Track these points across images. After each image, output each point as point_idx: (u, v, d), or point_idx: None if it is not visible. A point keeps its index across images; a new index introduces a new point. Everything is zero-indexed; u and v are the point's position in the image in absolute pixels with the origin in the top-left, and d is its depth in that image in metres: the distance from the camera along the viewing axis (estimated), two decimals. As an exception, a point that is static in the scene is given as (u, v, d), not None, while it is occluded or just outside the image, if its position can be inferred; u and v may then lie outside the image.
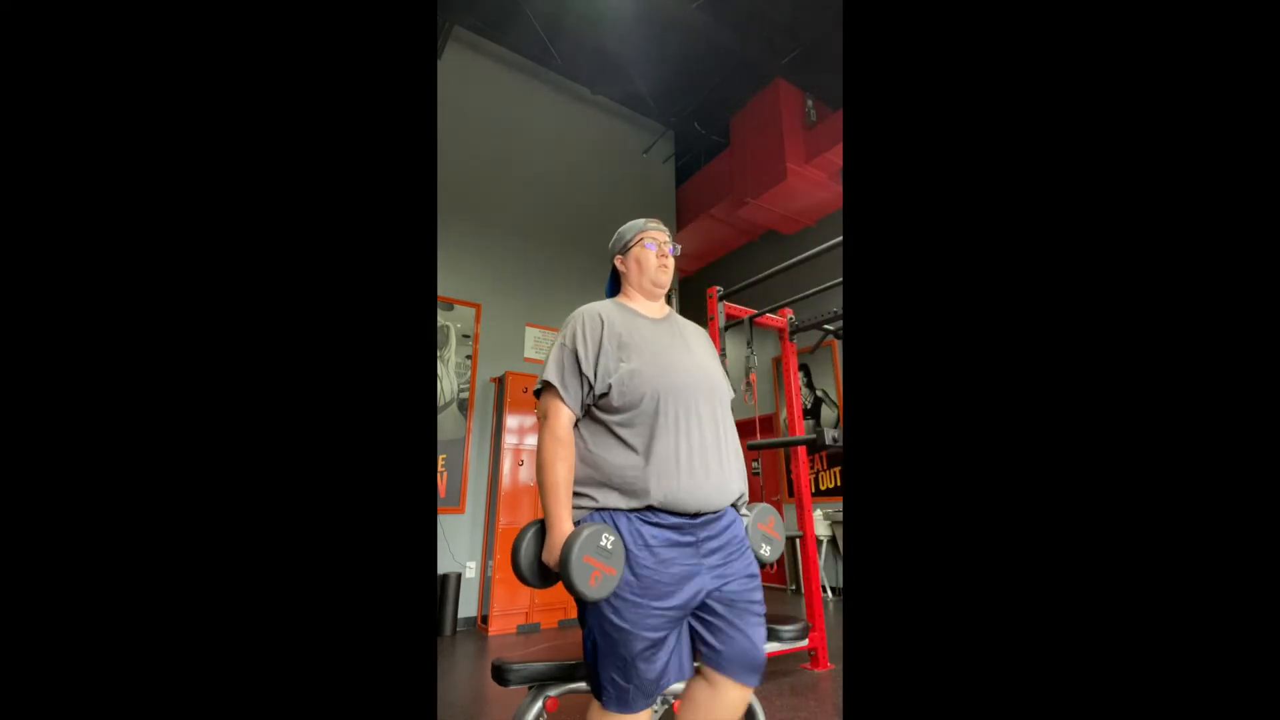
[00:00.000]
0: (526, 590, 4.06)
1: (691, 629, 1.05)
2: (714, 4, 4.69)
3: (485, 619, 4.01)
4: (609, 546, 0.97)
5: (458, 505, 4.29)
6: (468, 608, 4.13)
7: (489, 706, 2.33)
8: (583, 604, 1.01)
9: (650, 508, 1.02)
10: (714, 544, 1.06)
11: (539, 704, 1.24)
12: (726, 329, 2.90)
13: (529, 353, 4.96)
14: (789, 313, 3.12)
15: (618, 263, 1.28)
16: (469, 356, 4.61)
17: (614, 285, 1.31)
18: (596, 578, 0.94)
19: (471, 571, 4.21)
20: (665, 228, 1.28)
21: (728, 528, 1.09)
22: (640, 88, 5.81)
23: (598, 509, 1.04)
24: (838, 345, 5.48)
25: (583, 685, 1.27)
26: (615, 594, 0.98)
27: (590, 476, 1.06)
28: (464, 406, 4.50)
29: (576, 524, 1.02)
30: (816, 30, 4.85)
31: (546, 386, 1.10)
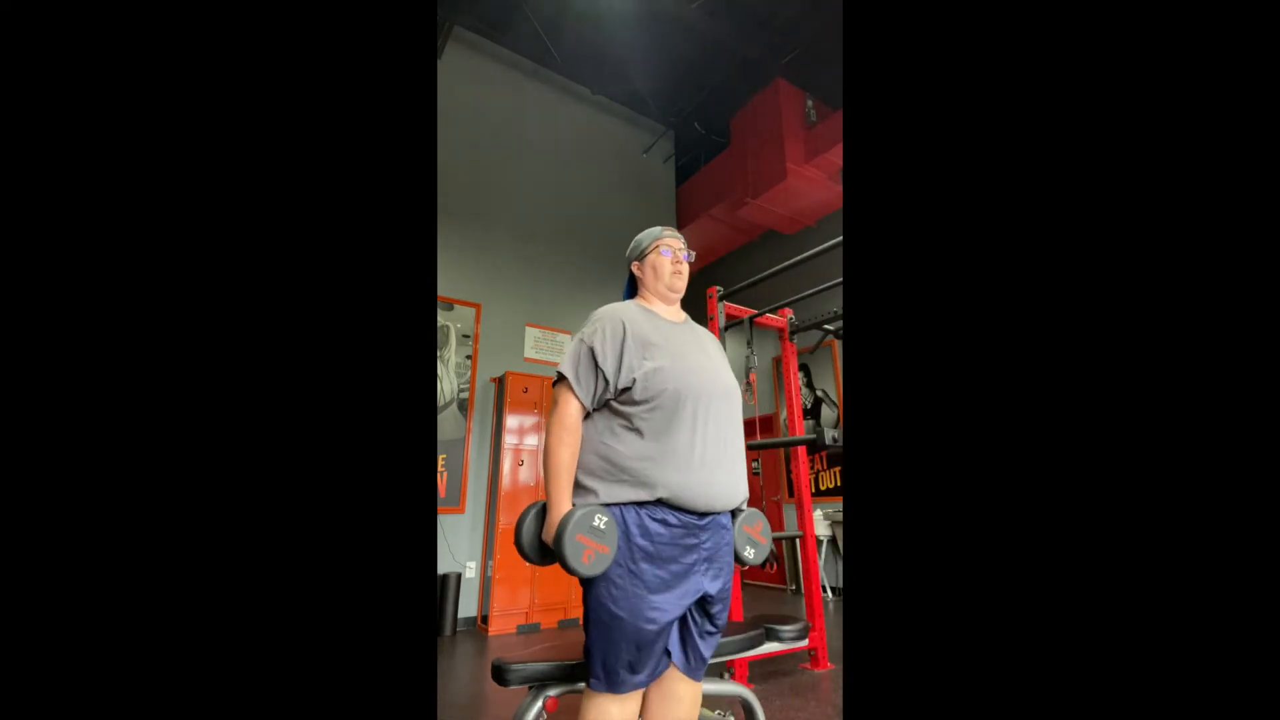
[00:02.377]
0: (526, 590, 4.06)
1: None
2: (714, 4, 4.69)
3: (485, 619, 4.01)
4: (602, 526, 1.01)
5: (458, 505, 4.29)
6: (468, 608, 4.13)
7: (489, 706, 2.33)
8: (584, 584, 1.06)
9: (659, 501, 1.05)
10: (711, 550, 1.10)
11: (539, 704, 1.24)
12: (726, 329, 2.90)
13: (529, 353, 4.96)
14: (789, 313, 3.12)
15: (635, 269, 1.34)
16: (469, 356, 4.61)
17: (631, 290, 1.37)
18: (589, 555, 0.99)
19: (471, 571, 4.21)
20: (680, 235, 1.35)
21: (725, 539, 1.14)
22: (640, 88, 5.81)
23: (603, 504, 1.06)
24: (838, 345, 5.48)
25: (583, 685, 1.27)
26: (614, 583, 1.02)
27: (601, 468, 1.09)
28: (464, 406, 4.50)
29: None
30: (816, 30, 4.85)
31: (560, 379, 1.15)
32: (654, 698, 1.12)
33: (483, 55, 5.37)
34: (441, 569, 4.03)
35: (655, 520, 1.05)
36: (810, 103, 5.66)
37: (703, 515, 1.09)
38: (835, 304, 3.11)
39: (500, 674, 1.24)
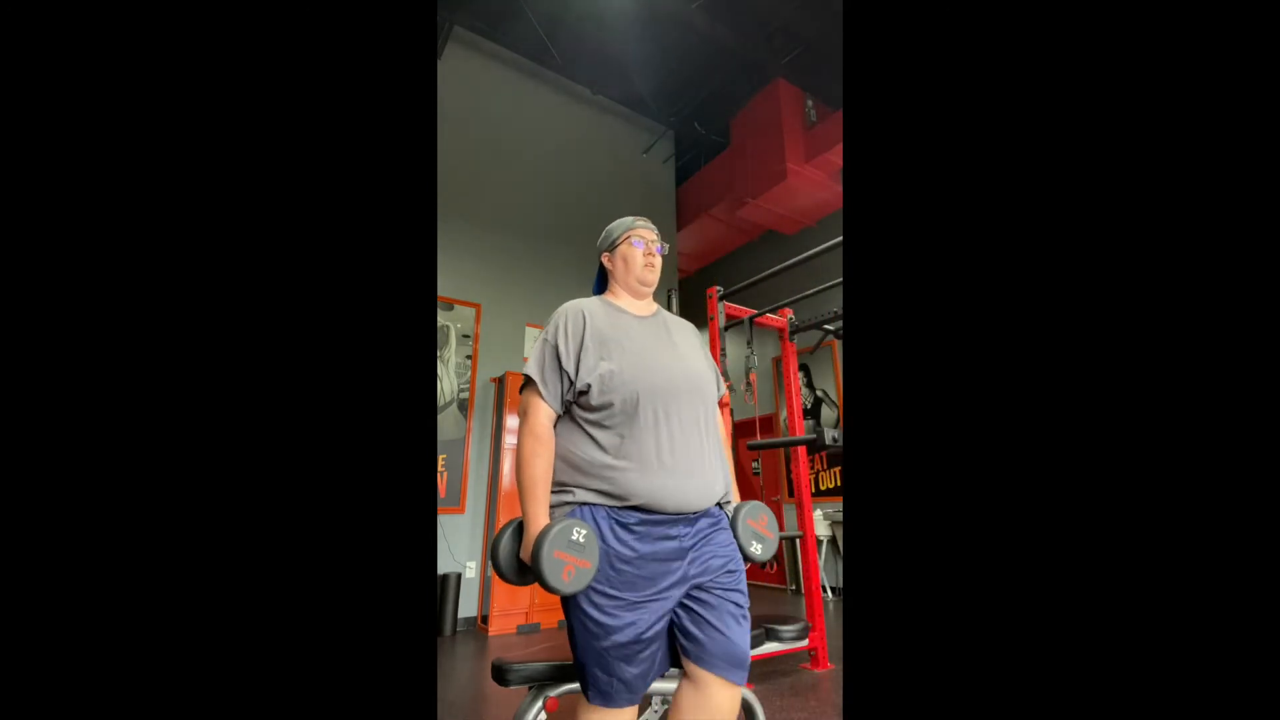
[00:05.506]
0: (526, 590, 4.06)
1: (672, 624, 1.04)
2: (714, 4, 4.68)
3: (485, 619, 4.01)
4: (581, 540, 0.96)
5: (458, 505, 4.29)
6: (468, 608, 4.12)
7: (489, 706, 2.33)
8: (564, 598, 0.99)
9: (631, 506, 1.01)
10: (694, 539, 1.05)
11: (539, 704, 1.24)
12: (726, 329, 2.90)
13: (529, 353, 4.96)
14: (789, 313, 3.12)
15: (605, 260, 1.27)
16: (469, 356, 4.60)
17: (601, 283, 1.31)
18: (569, 572, 0.94)
19: (471, 571, 4.21)
20: (654, 226, 1.28)
21: (712, 526, 1.09)
22: (640, 88, 5.81)
23: (577, 503, 1.03)
24: (838, 345, 5.48)
25: (583, 685, 1.27)
26: (594, 588, 0.97)
27: (569, 474, 1.05)
28: (464, 406, 4.50)
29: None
30: (816, 30, 4.85)
31: (527, 382, 1.10)
32: (685, 703, 1.02)
33: (483, 55, 5.37)
34: (441, 569, 4.03)
35: (628, 523, 1.01)
36: (810, 103, 5.66)
37: (676, 514, 1.04)
38: (835, 304, 3.11)
39: (500, 674, 1.24)
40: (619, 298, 1.24)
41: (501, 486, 4.18)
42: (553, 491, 1.06)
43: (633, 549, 1.00)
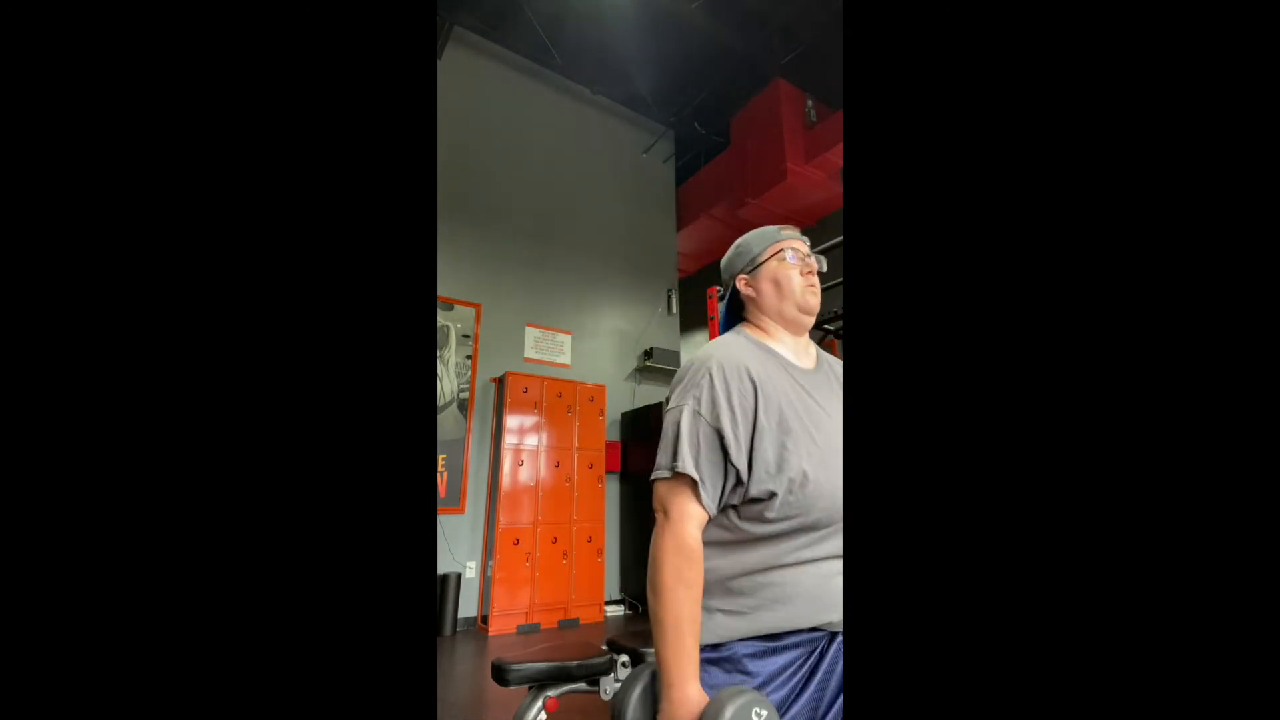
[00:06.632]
0: (526, 590, 4.06)
1: None
2: (714, 4, 4.69)
3: (485, 619, 4.01)
4: None
5: (458, 505, 4.29)
6: (468, 608, 4.13)
7: (489, 706, 2.33)
8: None
9: (785, 631, 0.75)
10: (828, 670, 0.76)
11: (539, 704, 1.24)
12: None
13: (529, 353, 4.96)
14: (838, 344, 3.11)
15: (742, 284, 0.94)
16: (469, 356, 4.61)
17: (731, 314, 0.98)
18: None
19: (471, 571, 4.21)
20: (804, 236, 0.99)
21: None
22: (640, 88, 5.81)
23: (706, 645, 0.75)
24: (838, 345, 5.48)
25: (583, 685, 1.27)
26: None
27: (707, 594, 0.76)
28: (464, 406, 4.50)
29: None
30: (816, 30, 4.85)
31: (673, 475, 0.77)
32: None
33: (483, 55, 5.37)
34: (441, 569, 4.03)
35: (770, 651, 0.74)
36: (810, 103, 5.67)
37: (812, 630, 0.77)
38: (835, 304, 3.10)
39: (500, 674, 1.24)
40: (773, 337, 0.90)
41: (501, 487, 4.18)
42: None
43: (780, 683, 0.74)
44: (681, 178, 6.88)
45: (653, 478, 0.80)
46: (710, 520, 0.78)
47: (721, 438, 0.76)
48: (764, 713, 0.66)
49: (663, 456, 0.79)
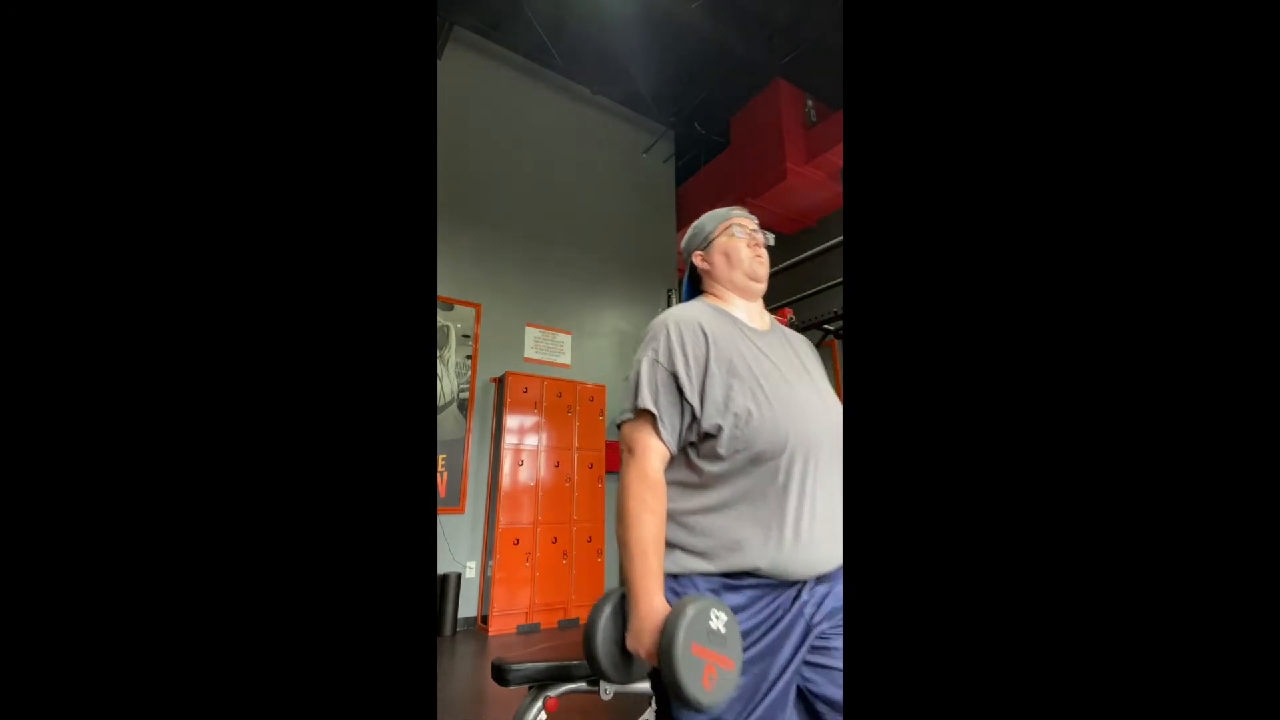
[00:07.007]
0: (526, 590, 4.06)
1: (803, 694, 0.83)
2: (714, 4, 4.68)
3: (485, 619, 4.01)
4: (722, 629, 0.71)
5: (458, 505, 4.29)
6: (468, 608, 4.12)
7: (489, 706, 2.33)
8: (686, 710, 0.73)
9: (741, 572, 0.80)
10: (812, 612, 0.83)
11: (539, 704, 1.24)
12: (726, 329, 2.90)
13: (529, 353, 4.96)
14: (789, 313, 3.12)
15: (698, 260, 1.05)
16: (469, 356, 4.61)
17: (692, 288, 1.09)
18: (711, 676, 0.68)
19: (471, 571, 4.21)
20: (752, 215, 1.08)
21: (828, 599, 0.86)
22: (640, 88, 5.81)
23: (668, 574, 0.80)
24: (838, 345, 5.48)
25: (583, 685, 1.27)
26: None
27: (670, 531, 0.83)
28: (464, 406, 4.50)
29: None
30: (816, 30, 4.85)
31: (639, 413, 0.86)
32: None
33: (483, 55, 5.37)
34: (441, 569, 4.03)
35: (735, 590, 0.79)
36: (810, 103, 5.66)
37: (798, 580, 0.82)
38: (835, 304, 3.11)
39: (500, 674, 1.24)
40: (726, 302, 1.01)
41: (501, 486, 4.18)
42: None
43: (746, 624, 0.79)
44: (681, 178, 6.88)
45: (618, 420, 0.91)
46: (672, 460, 0.87)
47: (676, 379, 0.86)
48: (723, 616, 0.72)
49: (626, 400, 0.89)
